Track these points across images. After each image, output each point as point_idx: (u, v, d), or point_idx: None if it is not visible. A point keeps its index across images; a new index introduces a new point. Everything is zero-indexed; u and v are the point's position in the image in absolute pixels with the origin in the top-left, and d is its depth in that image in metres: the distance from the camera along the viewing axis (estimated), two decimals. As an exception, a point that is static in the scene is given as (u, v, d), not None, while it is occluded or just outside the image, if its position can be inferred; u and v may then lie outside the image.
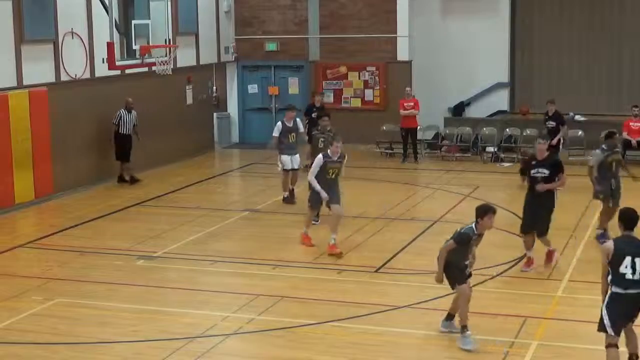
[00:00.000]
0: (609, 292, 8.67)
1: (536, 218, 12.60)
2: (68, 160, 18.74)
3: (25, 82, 17.47)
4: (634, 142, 21.23)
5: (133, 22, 19.21)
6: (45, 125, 17.95)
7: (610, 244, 8.71)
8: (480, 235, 10.17)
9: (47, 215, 17.18)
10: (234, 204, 16.95)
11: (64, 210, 17.42)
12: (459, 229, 10.20)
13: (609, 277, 8.59)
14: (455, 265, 10.05)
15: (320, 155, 14.04)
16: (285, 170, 17.28)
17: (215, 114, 24.97)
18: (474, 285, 11.89)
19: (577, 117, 23.11)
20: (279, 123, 17.48)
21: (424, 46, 24.19)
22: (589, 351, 9.83)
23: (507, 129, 23.03)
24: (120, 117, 19.45)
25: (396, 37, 23.96)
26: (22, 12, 17.26)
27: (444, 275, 10.16)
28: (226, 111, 25.48)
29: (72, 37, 18.74)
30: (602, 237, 13.67)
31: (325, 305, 11.39)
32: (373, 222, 15.90)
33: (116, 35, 18.42)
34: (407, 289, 12.20)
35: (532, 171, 12.59)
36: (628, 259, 8.51)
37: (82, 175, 19.26)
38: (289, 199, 17.39)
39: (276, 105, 25.24)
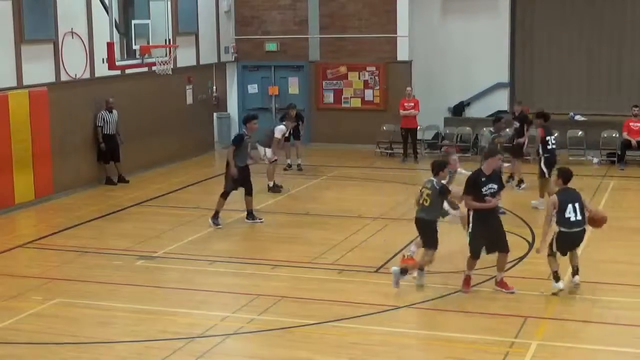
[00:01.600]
0: (558, 230, 11.38)
1: (500, 234, 11.63)
2: (68, 160, 18.73)
3: (25, 82, 17.47)
4: (634, 142, 21.23)
5: (133, 22, 19.21)
6: (45, 125, 17.95)
7: (555, 198, 11.40)
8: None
9: (47, 215, 17.18)
10: (234, 204, 16.89)
11: (64, 210, 17.42)
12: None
13: (555, 221, 11.35)
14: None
15: None
16: (273, 161, 18.56)
17: (215, 114, 24.97)
18: (473, 286, 11.94)
19: (577, 117, 23.11)
20: (283, 127, 18.99)
21: (424, 46, 24.20)
22: (589, 351, 9.83)
23: (507, 129, 22.97)
24: (103, 118, 19.44)
25: (396, 37, 23.96)
26: (22, 12, 17.25)
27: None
28: (226, 111, 25.48)
29: (72, 37, 18.74)
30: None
31: (325, 305, 11.39)
32: (373, 222, 15.91)
33: (116, 35, 18.41)
34: (407, 289, 12.19)
35: (484, 188, 11.52)
36: (570, 206, 11.27)
37: (82, 175, 19.26)
38: (276, 189, 18.50)
39: (276, 105, 25.24)
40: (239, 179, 15.56)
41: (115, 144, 19.67)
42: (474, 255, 11.64)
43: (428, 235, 11.95)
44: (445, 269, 12.75)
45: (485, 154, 12.10)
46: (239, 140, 15.68)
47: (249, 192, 15.81)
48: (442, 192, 11.81)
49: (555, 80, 24.42)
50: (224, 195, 15.62)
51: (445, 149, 17.05)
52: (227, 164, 15.58)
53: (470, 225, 11.67)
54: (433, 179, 11.80)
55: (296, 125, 20.76)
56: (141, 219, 16.68)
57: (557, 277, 11.56)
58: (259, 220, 15.88)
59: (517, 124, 19.08)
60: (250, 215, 15.89)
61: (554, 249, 11.55)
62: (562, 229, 11.42)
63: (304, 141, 22.61)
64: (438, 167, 11.83)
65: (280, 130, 18.92)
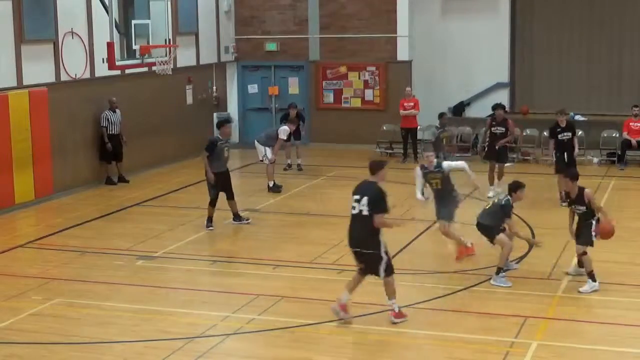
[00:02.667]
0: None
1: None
2: (68, 160, 18.74)
3: (25, 82, 17.48)
4: (634, 142, 21.23)
5: (133, 22, 19.21)
6: (45, 125, 17.95)
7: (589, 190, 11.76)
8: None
9: (47, 215, 17.18)
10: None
11: (64, 210, 17.42)
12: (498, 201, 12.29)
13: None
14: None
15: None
16: (272, 163, 18.70)
17: (215, 114, 24.96)
18: (473, 286, 11.95)
19: (577, 117, 23.11)
20: (287, 128, 19.10)
21: (424, 46, 24.20)
22: (589, 351, 9.83)
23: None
24: (107, 118, 19.45)
25: (396, 37, 23.96)
26: (22, 12, 17.26)
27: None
28: (226, 111, 25.47)
29: (72, 37, 18.74)
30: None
31: (325, 305, 11.37)
32: (373, 222, 15.88)
33: (116, 35, 18.41)
34: (407, 289, 12.18)
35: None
36: None
37: (82, 175, 19.26)
38: (276, 188, 18.57)
39: (276, 106, 25.25)
40: (219, 185, 15.43)
41: (119, 144, 19.67)
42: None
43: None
44: (445, 269, 12.76)
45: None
46: (211, 146, 15.36)
47: (230, 197, 15.67)
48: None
49: (555, 80, 24.42)
50: (211, 203, 15.55)
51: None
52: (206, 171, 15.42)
53: None
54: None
55: (296, 125, 20.78)
56: (141, 219, 16.68)
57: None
58: (246, 221, 15.83)
59: (568, 134, 17.09)
60: (237, 217, 15.85)
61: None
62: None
63: (304, 141, 22.62)
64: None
65: (284, 131, 18.99)
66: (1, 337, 10.36)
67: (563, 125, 17.09)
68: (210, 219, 15.56)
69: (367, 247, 10.15)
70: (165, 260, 13.72)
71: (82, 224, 16.20)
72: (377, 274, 10.33)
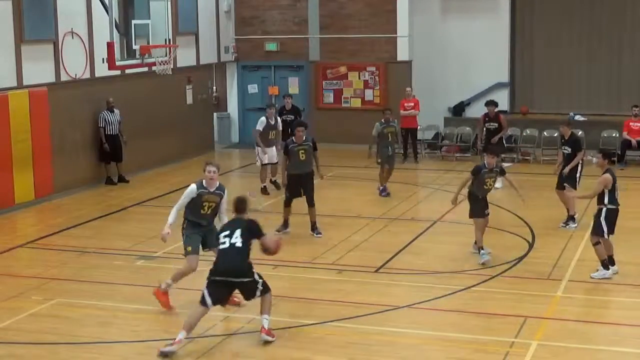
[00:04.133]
0: (606, 209, 12.19)
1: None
2: (68, 160, 18.74)
3: (25, 82, 17.48)
4: (634, 142, 21.23)
5: (133, 22, 19.22)
6: (45, 125, 17.95)
7: (608, 176, 12.30)
8: (490, 170, 13.27)
9: (47, 215, 17.18)
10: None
11: (64, 210, 17.42)
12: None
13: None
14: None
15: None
16: (264, 165, 18.50)
17: (215, 114, 24.97)
18: (474, 286, 11.95)
19: (577, 117, 23.11)
20: (263, 118, 18.57)
21: (424, 46, 24.20)
22: (589, 351, 9.83)
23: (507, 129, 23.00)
24: (105, 118, 19.44)
25: (396, 37, 23.96)
26: (22, 12, 17.26)
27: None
28: (226, 111, 25.48)
29: (72, 37, 18.74)
30: (383, 191, 18.08)
31: (325, 305, 11.39)
32: (373, 222, 15.91)
33: (116, 35, 18.42)
34: (407, 289, 12.21)
35: None
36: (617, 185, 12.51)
37: (82, 175, 19.26)
38: (266, 190, 18.49)
39: (276, 106, 25.17)
40: (294, 187, 15.08)
41: (118, 144, 19.66)
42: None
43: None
44: (445, 269, 12.76)
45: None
46: (285, 150, 15.18)
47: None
48: None
49: (555, 80, 24.42)
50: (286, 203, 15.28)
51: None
52: None
53: None
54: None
55: (292, 121, 20.61)
56: (141, 219, 16.68)
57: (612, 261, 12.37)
58: (318, 235, 15.20)
59: (567, 149, 15.68)
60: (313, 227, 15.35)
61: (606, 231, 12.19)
62: (611, 207, 12.30)
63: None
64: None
65: (260, 122, 18.48)
66: (1, 337, 10.36)
67: (566, 137, 15.74)
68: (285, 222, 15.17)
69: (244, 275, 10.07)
70: (165, 260, 13.71)
71: (82, 224, 16.20)
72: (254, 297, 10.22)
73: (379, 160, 18.14)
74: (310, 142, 15.00)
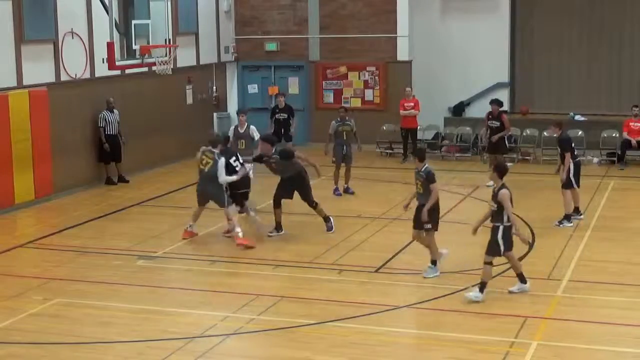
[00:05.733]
0: (503, 226, 11.23)
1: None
2: (68, 160, 18.73)
3: (25, 82, 17.48)
4: (634, 142, 21.22)
5: (133, 22, 19.20)
6: (45, 125, 17.95)
7: (507, 192, 11.29)
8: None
9: (47, 215, 17.18)
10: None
11: (64, 210, 17.41)
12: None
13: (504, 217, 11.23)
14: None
15: None
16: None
17: (215, 114, 24.96)
18: (473, 286, 11.94)
19: (577, 117, 23.11)
20: (232, 128, 17.72)
21: (424, 46, 24.20)
22: (589, 351, 9.83)
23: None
24: (105, 118, 19.45)
25: (396, 37, 23.96)
26: (22, 12, 17.26)
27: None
28: (226, 111, 25.47)
29: (72, 37, 18.74)
30: (336, 191, 18.04)
31: (325, 305, 11.39)
32: (373, 222, 15.91)
33: (116, 35, 18.41)
34: (407, 289, 12.21)
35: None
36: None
37: (82, 175, 19.26)
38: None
39: (270, 105, 25.21)
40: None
41: (117, 144, 19.67)
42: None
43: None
44: (445, 269, 12.75)
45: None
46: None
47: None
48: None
49: (555, 80, 24.42)
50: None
51: None
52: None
53: None
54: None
55: (285, 119, 20.57)
56: (141, 219, 16.68)
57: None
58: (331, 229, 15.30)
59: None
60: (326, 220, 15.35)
61: None
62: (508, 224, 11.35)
63: (303, 141, 22.53)
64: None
65: (253, 130, 17.29)
66: (1, 337, 10.36)
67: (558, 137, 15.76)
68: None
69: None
70: (165, 260, 13.72)
71: (82, 224, 16.20)
72: None
73: (334, 159, 18.08)
74: (278, 154, 14.83)
